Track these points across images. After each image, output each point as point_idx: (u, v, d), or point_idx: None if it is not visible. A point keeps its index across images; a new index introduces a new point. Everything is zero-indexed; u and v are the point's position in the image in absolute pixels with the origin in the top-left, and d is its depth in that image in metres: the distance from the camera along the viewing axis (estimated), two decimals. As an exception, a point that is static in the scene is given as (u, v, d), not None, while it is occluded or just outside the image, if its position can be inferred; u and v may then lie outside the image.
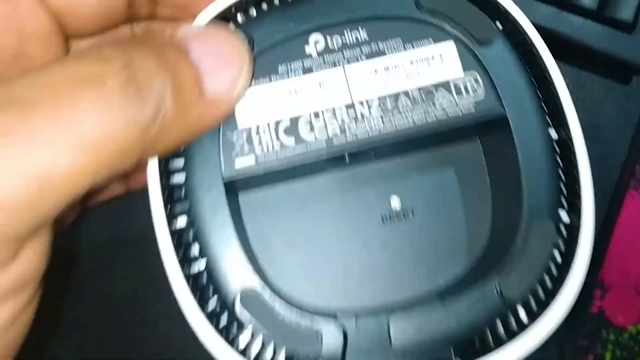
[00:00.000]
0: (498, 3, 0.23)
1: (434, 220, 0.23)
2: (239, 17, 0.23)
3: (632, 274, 0.34)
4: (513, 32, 0.23)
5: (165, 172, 0.22)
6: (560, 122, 0.22)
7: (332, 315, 0.21)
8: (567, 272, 0.21)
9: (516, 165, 0.22)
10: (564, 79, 0.37)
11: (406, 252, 0.23)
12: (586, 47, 0.36)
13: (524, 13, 0.35)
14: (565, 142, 0.22)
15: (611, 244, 0.34)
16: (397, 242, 0.23)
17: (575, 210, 0.22)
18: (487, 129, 0.23)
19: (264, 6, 0.23)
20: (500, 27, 0.23)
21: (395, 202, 0.24)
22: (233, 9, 0.23)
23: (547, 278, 0.21)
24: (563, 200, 0.22)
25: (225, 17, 0.23)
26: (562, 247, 0.21)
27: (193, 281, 0.21)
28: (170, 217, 0.22)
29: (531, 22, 0.35)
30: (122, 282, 0.33)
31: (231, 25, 0.23)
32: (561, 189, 0.22)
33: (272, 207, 0.24)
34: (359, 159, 0.23)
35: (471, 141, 0.24)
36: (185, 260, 0.21)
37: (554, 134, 0.22)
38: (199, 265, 0.21)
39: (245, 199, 0.23)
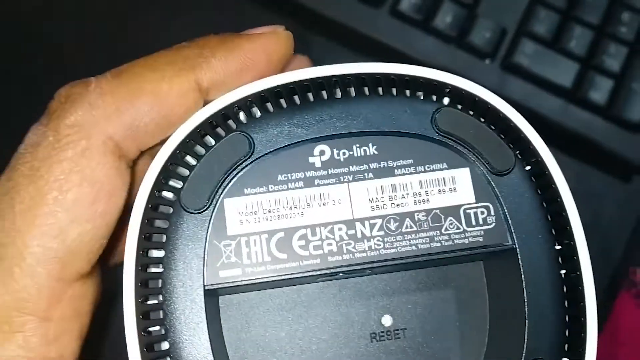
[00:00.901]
0: (520, 130, 0.22)
1: (425, 344, 0.22)
2: (241, 116, 0.22)
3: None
4: (531, 161, 0.22)
5: (142, 275, 0.21)
6: (572, 260, 0.21)
7: None
8: None
9: (520, 300, 0.21)
10: (567, 171, 0.37)
11: None
12: (591, 142, 0.36)
13: (531, 103, 0.36)
14: (576, 282, 0.21)
15: (598, 345, 0.34)
16: None
17: (578, 357, 0.21)
18: (492, 256, 0.22)
19: (270, 107, 0.22)
20: (518, 154, 0.22)
21: (387, 320, 0.22)
22: (236, 107, 0.22)
23: None
24: (565, 344, 0.21)
25: (226, 115, 0.22)
26: None
27: None
28: (144, 325, 0.20)
29: (538, 113, 0.36)
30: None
31: (232, 124, 0.22)
32: (565, 332, 0.21)
33: (254, 312, 0.22)
34: (352, 274, 0.22)
35: (474, 264, 0.22)
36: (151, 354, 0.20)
37: (564, 271, 0.21)
38: None
39: (226, 300, 0.22)
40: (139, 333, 0.20)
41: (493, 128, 0.22)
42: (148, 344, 0.20)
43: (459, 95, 0.22)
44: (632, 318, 0.35)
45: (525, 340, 0.20)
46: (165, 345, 0.20)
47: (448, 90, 0.22)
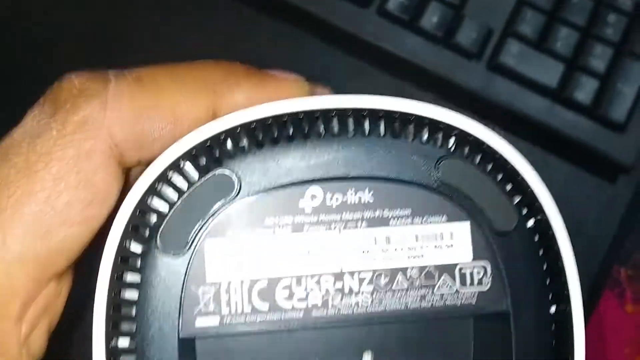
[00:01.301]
0: (527, 184, 0.21)
1: None
2: (230, 149, 0.20)
3: (600, 376, 0.34)
4: (535, 220, 0.21)
5: (114, 317, 0.20)
6: (565, 328, 0.20)
7: None
8: None
9: (501, 355, 0.20)
10: (553, 171, 0.38)
11: None
12: (576, 142, 0.36)
13: (517, 103, 0.36)
14: (567, 351, 0.20)
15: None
16: None
17: None
18: (484, 317, 0.21)
19: (260, 141, 0.20)
20: (524, 211, 0.21)
21: (367, 358, 0.21)
22: (223, 139, 0.20)
23: None
24: None
25: (212, 147, 0.20)
26: None
27: None
28: (113, 355, 0.19)
29: (524, 113, 0.36)
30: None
31: (218, 158, 0.20)
32: None
33: (231, 355, 0.21)
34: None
35: (464, 320, 0.21)
36: None
37: (556, 339, 0.21)
38: None
39: (202, 345, 0.21)
40: None
41: (499, 180, 0.21)
42: None
43: (465, 141, 0.21)
44: (615, 316, 0.35)
45: None
46: None
47: (455, 133, 0.21)
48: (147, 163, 0.20)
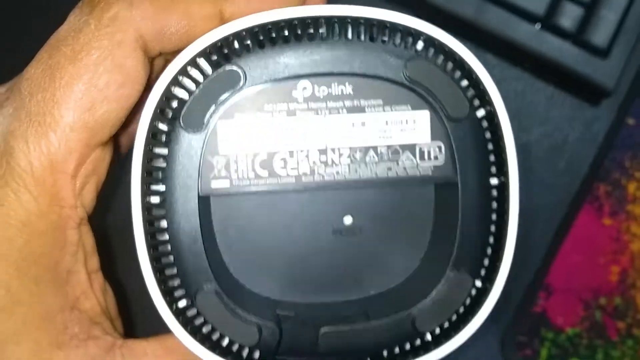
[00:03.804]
0: (480, 81, 0.25)
1: (377, 242, 0.26)
2: (237, 49, 0.25)
3: (576, 281, 0.37)
4: (485, 110, 0.26)
5: (147, 180, 0.25)
6: (503, 198, 0.25)
7: (273, 316, 0.25)
8: (473, 315, 0.25)
9: (455, 223, 0.25)
10: (539, 95, 0.39)
11: (349, 262, 0.26)
12: (561, 67, 0.38)
13: (507, 31, 0.37)
14: (503, 216, 0.25)
15: (560, 252, 0.37)
16: (343, 253, 0.26)
17: (492, 273, 0.25)
18: (442, 185, 0.26)
19: (261, 43, 0.25)
20: (475, 102, 0.26)
21: (348, 220, 0.26)
22: (231, 41, 0.25)
23: (455, 318, 0.25)
24: (485, 261, 0.26)
25: (222, 47, 0.25)
26: (474, 297, 0.25)
27: (161, 273, 0.25)
28: (149, 218, 0.25)
29: (513, 40, 0.38)
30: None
31: (228, 56, 0.25)
32: (486, 253, 0.26)
33: (239, 213, 0.26)
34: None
35: (427, 187, 0.27)
36: (156, 255, 0.25)
37: (496, 206, 0.26)
38: (169, 259, 0.25)
39: (216, 201, 0.26)
40: (148, 241, 0.25)
41: (456, 77, 0.25)
42: (151, 229, 0.25)
43: (431, 45, 0.25)
44: (593, 229, 0.38)
45: (454, 253, 0.25)
46: (167, 247, 0.25)
47: (422, 38, 0.25)
48: (168, 54, 0.25)
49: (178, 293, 0.25)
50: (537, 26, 0.38)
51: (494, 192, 0.26)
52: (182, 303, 0.25)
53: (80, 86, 0.24)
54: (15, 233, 0.24)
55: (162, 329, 0.26)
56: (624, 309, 0.36)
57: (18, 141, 0.24)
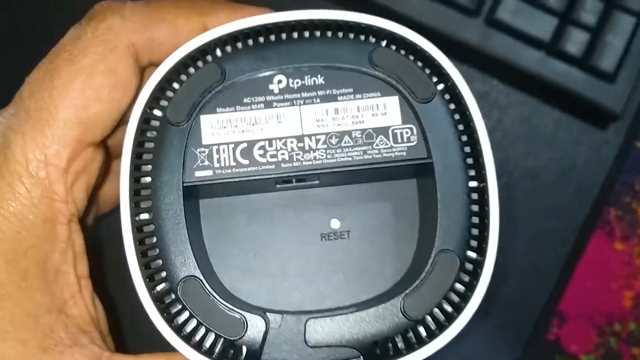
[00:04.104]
0: (442, 67, 0.26)
1: (365, 244, 0.27)
2: (217, 51, 0.27)
3: (589, 307, 0.36)
4: (450, 92, 0.26)
5: (135, 173, 0.26)
6: (480, 173, 0.26)
7: (260, 309, 0.25)
8: (465, 301, 0.25)
9: (435, 204, 0.25)
10: (546, 120, 0.40)
11: (337, 267, 0.27)
12: (568, 92, 0.38)
13: (513, 56, 0.38)
14: (482, 191, 0.25)
15: (573, 278, 0.37)
16: (331, 258, 0.27)
17: (480, 251, 0.25)
18: (420, 172, 0.27)
19: (239, 45, 0.27)
20: (440, 86, 0.26)
21: (335, 224, 0.27)
22: (212, 45, 0.27)
23: (447, 304, 0.25)
24: (471, 240, 0.25)
25: (204, 50, 0.27)
26: (465, 280, 0.25)
27: (146, 265, 0.25)
28: (135, 211, 0.25)
29: (519, 65, 0.38)
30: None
31: (208, 57, 0.27)
32: (471, 230, 0.25)
33: (227, 214, 0.27)
34: (305, 182, 0.27)
35: (409, 181, 0.27)
36: (143, 249, 0.25)
37: (473, 183, 0.26)
38: (154, 252, 0.25)
39: (205, 203, 0.27)
40: (132, 215, 0.25)
41: (419, 65, 0.27)
42: (138, 225, 0.25)
43: (393, 38, 0.27)
44: (605, 254, 0.37)
45: (437, 234, 0.25)
46: (153, 239, 0.25)
47: (385, 34, 0.27)
48: (156, 64, 0.27)
49: (162, 285, 0.25)
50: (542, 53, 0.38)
51: (470, 170, 0.26)
52: (166, 296, 0.25)
53: (76, 86, 0.25)
54: (7, 224, 0.25)
55: (153, 348, 0.26)
56: (639, 334, 0.36)
57: (16, 135, 0.25)
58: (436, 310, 0.25)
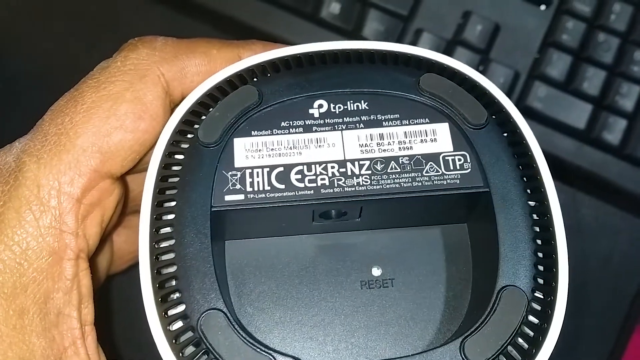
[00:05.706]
0: (492, 95, 0.25)
1: (411, 293, 0.24)
2: (255, 76, 0.26)
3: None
4: (503, 119, 0.25)
5: (158, 196, 0.24)
6: (543, 204, 0.23)
7: (293, 358, 0.22)
8: (536, 346, 0.22)
9: (495, 237, 0.23)
10: (583, 208, 0.38)
11: (379, 318, 0.24)
12: (605, 181, 0.37)
13: (547, 145, 0.36)
14: (547, 224, 0.23)
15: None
16: (371, 308, 0.24)
17: (548, 290, 0.22)
18: (473, 202, 0.24)
19: (278, 70, 0.26)
20: (492, 114, 0.25)
21: (376, 271, 0.25)
22: (250, 70, 0.26)
23: (512, 349, 0.22)
24: (537, 275, 0.23)
25: (241, 75, 0.26)
26: (533, 321, 0.22)
27: (163, 297, 0.23)
28: (156, 234, 0.23)
29: (552, 153, 0.36)
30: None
31: (246, 81, 0.26)
32: (536, 264, 0.23)
33: (256, 256, 0.25)
34: (345, 218, 0.25)
35: (459, 222, 0.25)
36: (160, 279, 0.23)
37: (536, 215, 0.23)
38: (171, 283, 0.23)
39: (232, 245, 0.25)
40: (151, 236, 0.23)
41: (467, 88, 0.25)
42: (158, 248, 0.23)
43: (440, 68, 0.26)
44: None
45: (500, 269, 0.22)
46: (173, 269, 0.23)
47: (431, 62, 0.26)
48: None
49: (180, 322, 0.22)
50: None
51: (531, 201, 0.24)
52: (184, 334, 0.22)
53: (100, 113, 0.24)
54: (8, 254, 0.22)
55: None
56: None
57: (30, 159, 0.24)
58: (501, 357, 0.22)
